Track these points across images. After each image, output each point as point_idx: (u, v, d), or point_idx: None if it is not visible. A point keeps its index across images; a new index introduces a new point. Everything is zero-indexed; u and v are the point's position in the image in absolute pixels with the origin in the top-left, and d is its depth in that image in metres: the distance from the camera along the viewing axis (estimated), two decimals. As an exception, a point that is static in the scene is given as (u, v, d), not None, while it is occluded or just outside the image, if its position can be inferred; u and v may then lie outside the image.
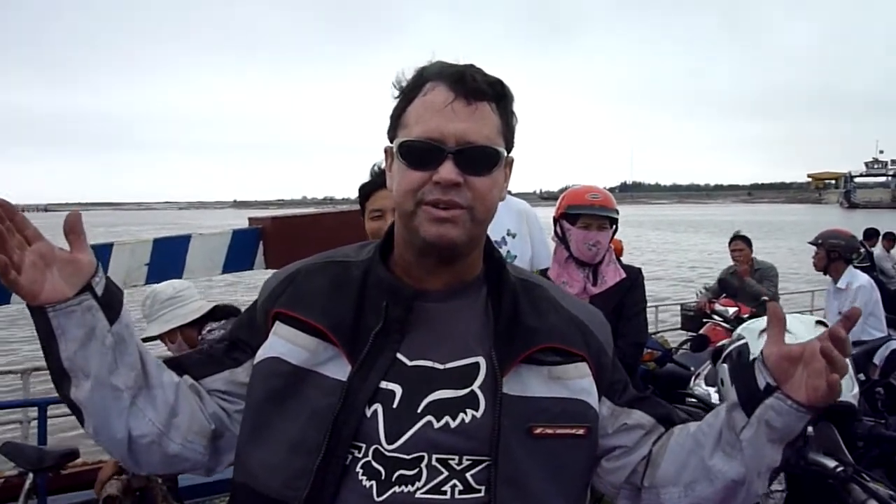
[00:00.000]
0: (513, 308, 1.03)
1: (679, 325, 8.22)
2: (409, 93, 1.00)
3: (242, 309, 2.92)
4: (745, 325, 1.82)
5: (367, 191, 2.18)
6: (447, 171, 0.95)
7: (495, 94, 1.00)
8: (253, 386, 1.03)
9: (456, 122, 0.96)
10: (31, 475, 2.84)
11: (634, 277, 2.65)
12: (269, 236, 4.09)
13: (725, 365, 1.78)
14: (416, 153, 0.97)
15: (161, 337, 2.78)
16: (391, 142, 1.04)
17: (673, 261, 27.40)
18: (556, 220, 2.65)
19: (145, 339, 2.81)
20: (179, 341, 2.78)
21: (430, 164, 0.96)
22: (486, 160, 0.99)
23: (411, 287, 1.03)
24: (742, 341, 1.73)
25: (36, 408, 3.60)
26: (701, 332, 6.40)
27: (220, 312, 2.84)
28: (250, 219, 4.38)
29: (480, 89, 0.98)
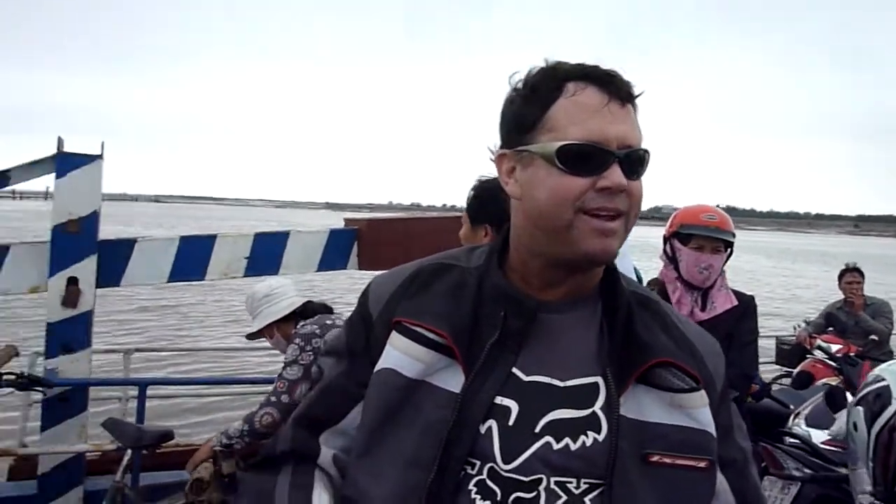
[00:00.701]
0: (627, 323, 0.97)
1: (773, 359, 7.80)
2: (546, 94, 0.94)
3: (329, 304, 3.02)
4: (884, 366, 1.66)
5: None
6: (618, 175, 0.90)
7: (635, 96, 0.96)
8: (367, 398, 0.99)
9: (616, 125, 0.91)
10: (129, 451, 2.97)
11: (746, 305, 2.51)
12: (364, 238, 4.15)
13: (860, 408, 1.63)
14: (581, 158, 0.91)
15: (260, 333, 2.92)
16: (510, 146, 0.99)
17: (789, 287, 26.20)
18: (666, 239, 2.54)
19: (249, 336, 2.94)
20: (277, 336, 2.91)
21: (595, 170, 0.91)
22: (642, 163, 0.95)
23: (532, 298, 0.98)
24: (882, 383, 1.58)
25: (136, 387, 3.76)
26: (802, 368, 6.03)
27: (311, 308, 2.94)
28: (346, 220, 4.46)
29: (629, 91, 0.94)
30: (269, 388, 2.79)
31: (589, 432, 0.91)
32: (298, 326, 2.83)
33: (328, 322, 2.83)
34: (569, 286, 0.98)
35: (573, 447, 0.90)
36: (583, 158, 0.91)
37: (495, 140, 1.03)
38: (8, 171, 3.47)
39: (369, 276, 1.18)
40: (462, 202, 2.16)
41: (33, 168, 3.50)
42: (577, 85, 0.93)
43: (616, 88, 0.92)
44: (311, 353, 2.73)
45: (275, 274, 4.06)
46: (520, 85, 0.99)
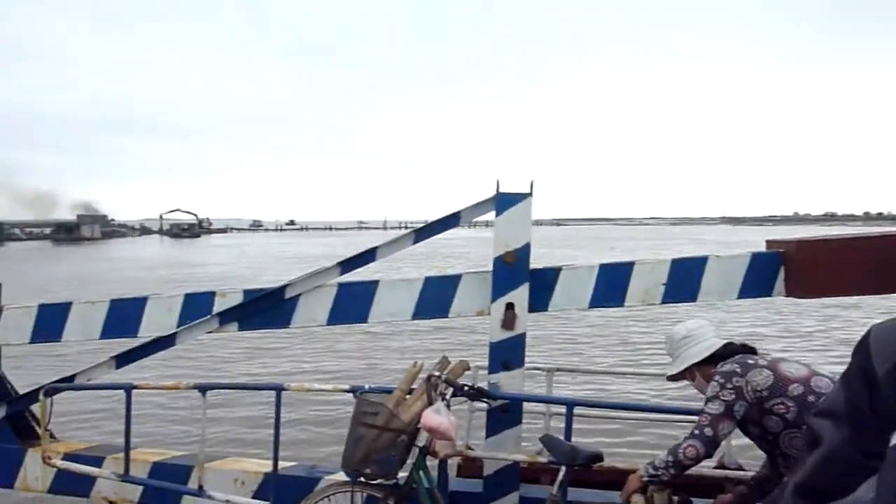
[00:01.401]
0: None
1: None
2: None
3: (751, 345, 2.84)
4: None
5: None
6: None
7: None
8: (884, 473, 0.84)
9: None
10: (563, 468, 3.19)
11: None
12: (793, 261, 3.78)
13: None
14: None
15: (681, 375, 2.93)
16: None
17: None
18: None
19: (669, 377, 3.00)
20: (698, 378, 2.88)
21: None
22: None
23: None
24: None
25: (562, 406, 4.01)
26: None
27: (731, 350, 2.84)
28: (768, 241, 4.13)
29: None
30: (688, 417, 2.76)
31: None
32: (718, 366, 2.76)
33: (750, 362, 2.71)
34: None
35: None
36: None
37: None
38: (459, 212, 4.08)
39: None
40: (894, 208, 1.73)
41: (477, 208, 4.05)
42: None
43: None
44: (731, 390, 2.65)
45: (692, 301, 3.98)
46: None
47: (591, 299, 4.01)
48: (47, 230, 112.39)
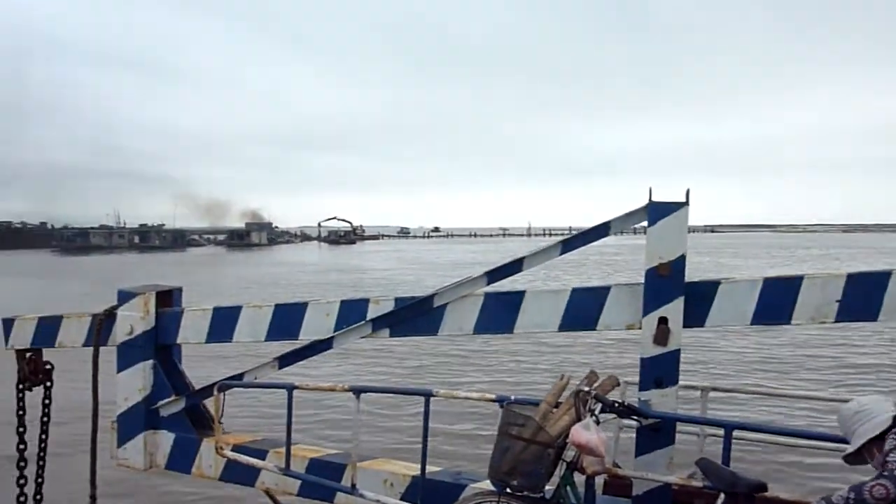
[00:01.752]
0: None
1: None
2: None
3: None
4: None
5: None
6: None
7: None
8: None
9: None
10: (721, 495, 3.00)
11: None
12: None
13: None
14: None
15: (858, 454, 2.77)
16: None
17: None
18: None
19: (846, 459, 2.83)
20: (877, 457, 2.69)
21: None
22: None
23: None
24: None
25: (721, 428, 3.76)
26: None
27: None
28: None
29: None
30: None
31: None
32: (888, 436, 2.63)
33: None
34: None
35: None
36: None
37: None
38: (608, 222, 3.97)
39: None
40: None
41: (629, 218, 3.91)
42: None
43: None
44: None
45: (872, 320, 3.62)
46: None
47: (753, 315, 3.74)
48: (221, 237, 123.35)
